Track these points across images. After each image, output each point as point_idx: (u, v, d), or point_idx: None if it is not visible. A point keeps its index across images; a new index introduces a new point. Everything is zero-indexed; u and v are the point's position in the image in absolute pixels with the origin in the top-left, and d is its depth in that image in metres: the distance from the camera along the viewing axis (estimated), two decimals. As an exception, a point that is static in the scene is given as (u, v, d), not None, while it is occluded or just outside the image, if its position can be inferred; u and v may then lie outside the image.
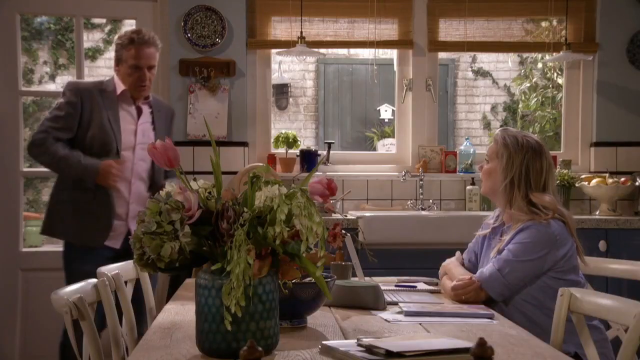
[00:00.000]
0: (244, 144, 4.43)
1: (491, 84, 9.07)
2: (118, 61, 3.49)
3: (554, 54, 4.55)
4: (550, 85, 7.47)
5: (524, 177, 2.55)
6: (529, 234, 2.47)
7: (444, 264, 2.75)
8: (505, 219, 2.63)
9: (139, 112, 3.53)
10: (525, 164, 2.56)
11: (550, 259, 2.46)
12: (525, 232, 2.48)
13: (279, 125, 8.67)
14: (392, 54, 5.74)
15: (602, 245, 4.02)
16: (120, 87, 3.48)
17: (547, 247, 2.46)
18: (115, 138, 3.40)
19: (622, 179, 4.36)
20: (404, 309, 2.20)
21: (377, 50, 4.63)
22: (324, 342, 1.71)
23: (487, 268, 2.51)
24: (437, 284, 2.72)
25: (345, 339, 1.86)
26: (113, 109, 3.45)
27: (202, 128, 4.31)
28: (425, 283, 2.77)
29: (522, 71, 8.53)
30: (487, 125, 9.02)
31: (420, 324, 2.06)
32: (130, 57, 3.43)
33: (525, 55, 8.36)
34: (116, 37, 3.53)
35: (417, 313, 2.17)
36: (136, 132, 3.49)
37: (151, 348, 1.75)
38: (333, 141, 4.86)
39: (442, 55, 5.06)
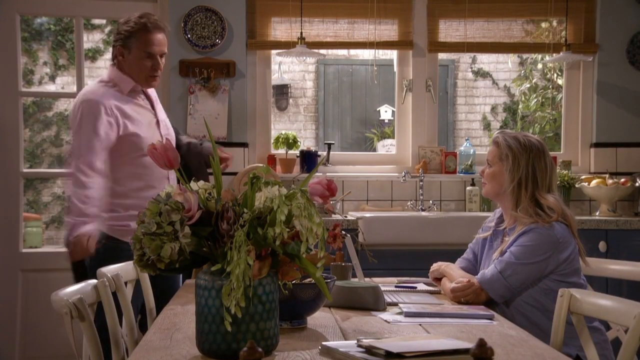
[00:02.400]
0: (244, 144, 4.43)
1: (491, 84, 9.08)
2: (124, 50, 3.09)
3: (554, 54, 4.55)
4: (550, 86, 7.47)
5: (531, 177, 2.55)
6: (532, 236, 2.47)
7: (433, 267, 2.72)
8: (509, 221, 2.62)
9: (151, 100, 3.22)
10: (531, 163, 2.56)
11: (552, 262, 2.46)
12: (528, 234, 2.48)
13: (279, 126, 8.68)
14: (392, 54, 5.75)
15: (602, 246, 4.02)
16: (126, 84, 3.11)
17: (549, 250, 2.46)
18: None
19: (622, 180, 4.36)
20: (404, 309, 2.20)
21: (377, 51, 4.63)
22: (324, 343, 1.71)
23: (488, 269, 2.51)
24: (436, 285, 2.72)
25: (345, 339, 1.86)
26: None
27: (202, 129, 4.31)
28: (425, 284, 2.77)
29: (522, 72, 8.53)
30: (487, 126, 9.02)
31: (420, 324, 2.06)
32: (142, 44, 3.06)
33: (525, 56, 8.36)
34: (120, 23, 3.12)
35: (417, 314, 2.17)
36: (158, 124, 3.19)
37: (151, 349, 1.75)
38: (333, 142, 4.86)
39: (442, 56, 5.06)
